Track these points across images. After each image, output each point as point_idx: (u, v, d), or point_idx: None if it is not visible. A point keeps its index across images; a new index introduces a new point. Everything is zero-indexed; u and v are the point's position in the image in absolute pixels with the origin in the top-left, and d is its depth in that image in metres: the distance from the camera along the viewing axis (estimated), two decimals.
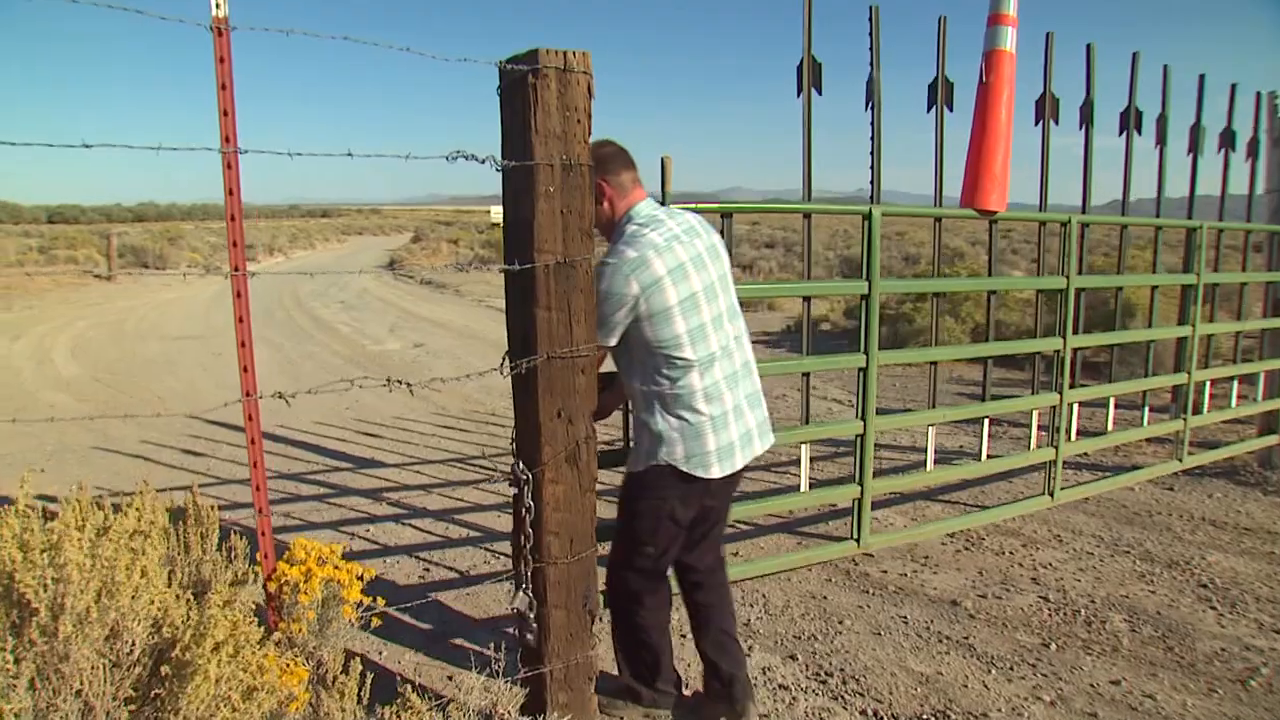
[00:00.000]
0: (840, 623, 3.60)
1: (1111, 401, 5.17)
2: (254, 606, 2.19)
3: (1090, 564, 4.23)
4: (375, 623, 2.29)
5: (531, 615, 2.24)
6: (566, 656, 2.29)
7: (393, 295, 17.66)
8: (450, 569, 4.18)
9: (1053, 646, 3.40)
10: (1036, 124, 4.46)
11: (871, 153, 3.82)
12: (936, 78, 4.01)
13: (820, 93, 3.69)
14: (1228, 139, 5.31)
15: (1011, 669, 3.24)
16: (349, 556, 4.06)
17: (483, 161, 1.98)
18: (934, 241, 4.39)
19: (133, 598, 1.65)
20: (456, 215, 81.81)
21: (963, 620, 3.64)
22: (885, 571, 4.14)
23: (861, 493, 3.95)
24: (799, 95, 3.68)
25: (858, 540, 4.00)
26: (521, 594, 2.22)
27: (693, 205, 2.96)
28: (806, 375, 3.87)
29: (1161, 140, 4.86)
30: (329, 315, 14.39)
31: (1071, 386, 4.76)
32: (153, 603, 1.69)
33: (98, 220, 57.61)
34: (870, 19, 3.74)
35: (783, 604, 3.78)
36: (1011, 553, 4.37)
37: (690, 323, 2.34)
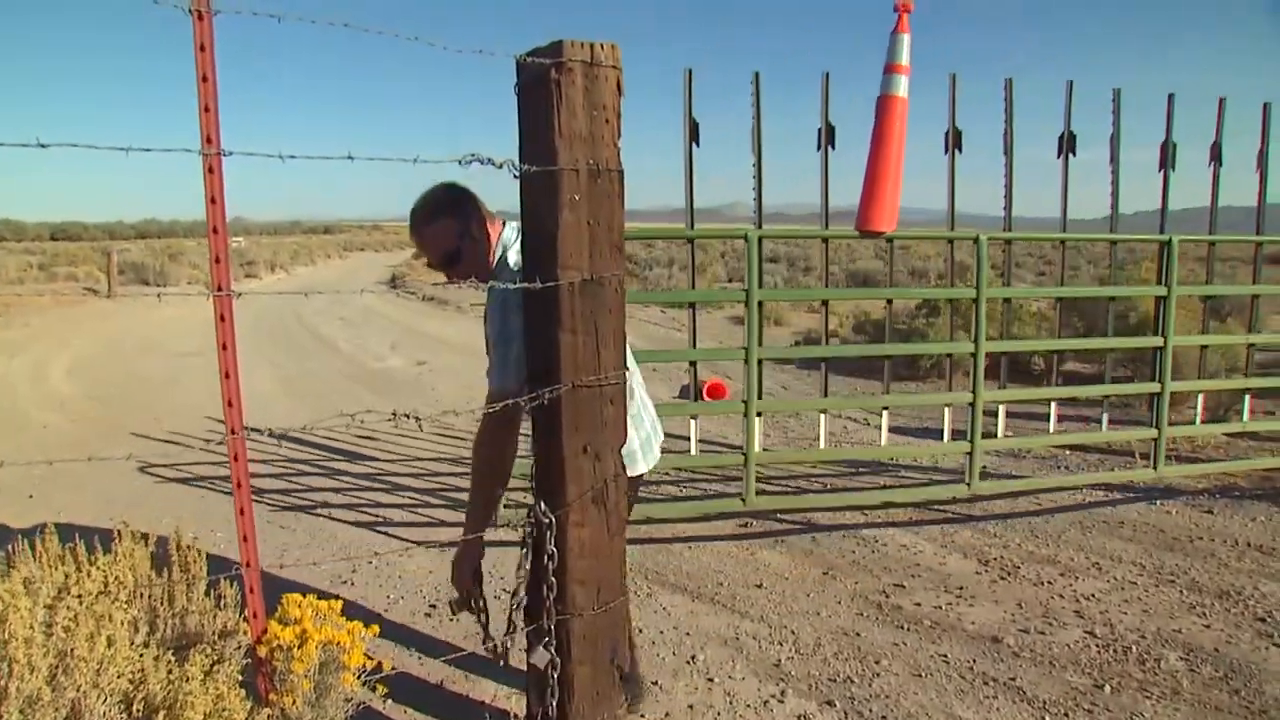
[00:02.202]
0: (877, 662, 3.36)
1: (1053, 407, 5.55)
2: (243, 666, 1.96)
3: (1135, 594, 3.99)
4: (381, 690, 2.05)
5: (555, 673, 2.00)
6: (593, 718, 2.05)
7: (395, 311, 17.46)
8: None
9: (1107, 689, 3.16)
10: (946, 153, 5.02)
11: (755, 188, 4.76)
12: (821, 126, 4.80)
13: (699, 145, 4.63)
14: (1216, 152, 5.35)
15: (1067, 715, 3.00)
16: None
17: (499, 166, 1.75)
18: (823, 258, 5.31)
19: (97, 671, 1.41)
20: None
21: (1007, 659, 3.40)
22: (919, 604, 3.90)
23: (746, 460, 4.75)
24: (684, 148, 4.64)
25: (744, 500, 4.79)
26: (542, 650, 1.98)
27: None
28: (694, 364, 5.03)
29: (1114, 158, 5.25)
30: (331, 332, 14.18)
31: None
32: (121, 675, 1.45)
33: (100, 237, 57.36)
34: (754, 82, 4.71)
35: (814, 642, 3.53)
36: (1050, 582, 4.12)
37: None
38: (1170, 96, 5.32)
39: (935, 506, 5.24)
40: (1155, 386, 5.39)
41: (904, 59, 4.35)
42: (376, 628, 2.09)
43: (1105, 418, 5.58)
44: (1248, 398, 5.65)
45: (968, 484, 5.08)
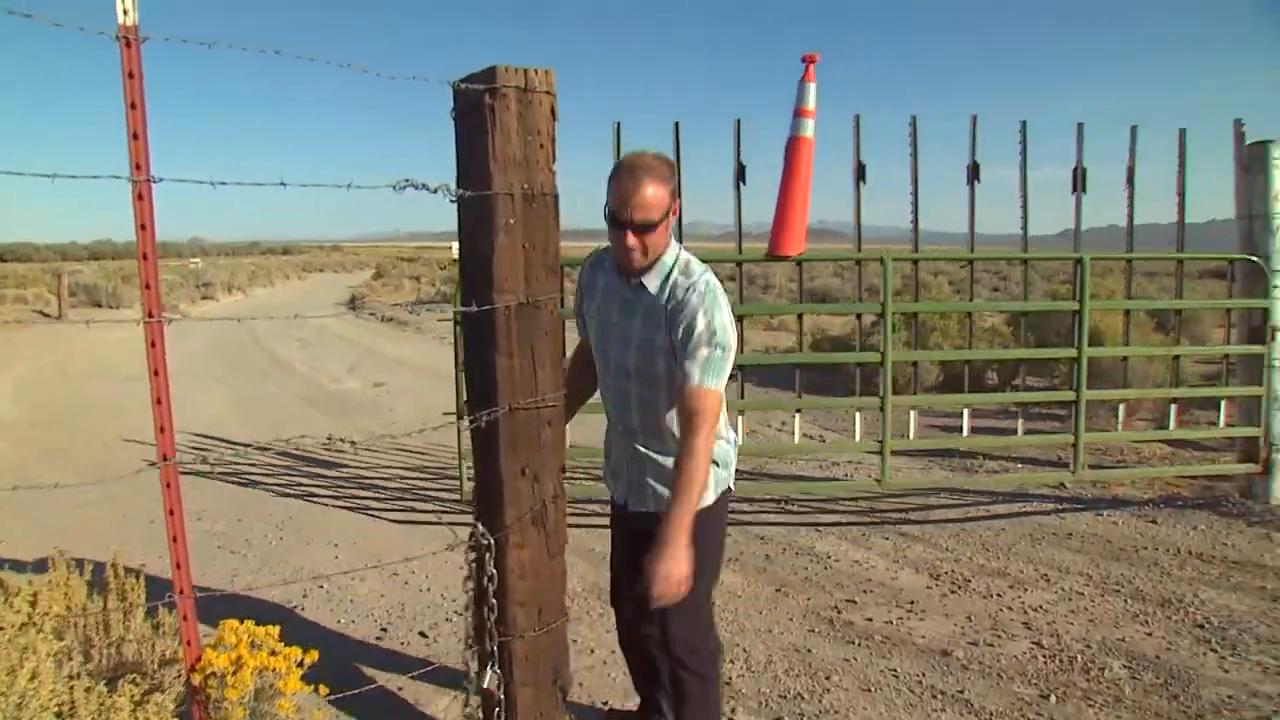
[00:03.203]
0: (827, 679, 3.39)
1: (966, 413, 5.83)
2: (181, 694, 1.93)
3: (1082, 605, 4.07)
4: (324, 691, 2.02)
5: (500, 692, 1.99)
6: None
7: (353, 332, 17.29)
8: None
9: (1052, 699, 3.22)
10: (856, 186, 5.39)
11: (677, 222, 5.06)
12: (734, 166, 5.24)
13: None
14: (1130, 176, 5.60)
15: None
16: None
17: (434, 191, 1.77)
18: (739, 281, 5.64)
19: (19, 705, 1.39)
20: (418, 251, 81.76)
21: (955, 672, 3.44)
22: (870, 620, 3.94)
23: None
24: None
25: None
26: (490, 673, 1.98)
27: None
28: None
29: (1023, 184, 5.61)
30: (288, 354, 14.00)
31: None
32: (45, 708, 1.43)
33: (52, 258, 56.16)
34: (674, 132, 5.07)
35: (765, 659, 3.55)
36: (999, 595, 4.19)
37: None
38: (1080, 126, 5.60)
39: (889, 519, 5.35)
40: (1070, 395, 5.62)
41: (811, 104, 4.87)
42: (315, 653, 2.07)
43: (1020, 424, 5.84)
44: (1174, 407, 5.83)
45: (878, 480, 5.42)
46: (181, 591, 1.69)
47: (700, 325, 2.20)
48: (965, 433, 5.90)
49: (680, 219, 5.42)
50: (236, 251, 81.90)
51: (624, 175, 2.21)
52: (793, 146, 4.91)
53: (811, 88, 4.87)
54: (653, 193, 2.19)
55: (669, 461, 2.37)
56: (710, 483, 2.37)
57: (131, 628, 2.16)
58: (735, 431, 2.62)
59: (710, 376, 2.19)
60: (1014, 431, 5.90)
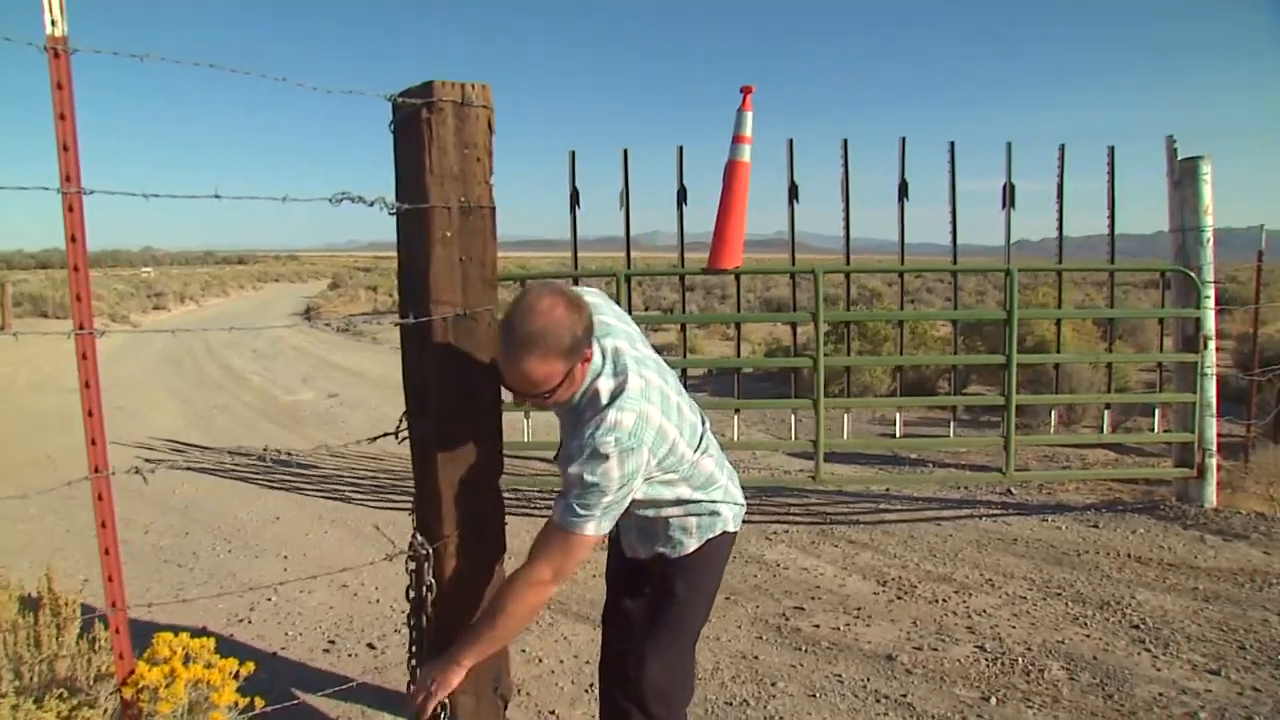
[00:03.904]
0: (773, 685, 3.43)
1: (899, 417, 6.27)
2: (115, 710, 1.92)
3: (1024, 609, 4.16)
4: (260, 703, 2.01)
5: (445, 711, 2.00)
6: None
7: (308, 343, 17.09)
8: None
9: (993, 700, 3.29)
10: (790, 204, 5.66)
11: (624, 239, 5.82)
12: (678, 188, 5.66)
13: (580, 206, 5.56)
14: (1060, 191, 5.84)
15: None
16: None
17: (371, 204, 1.78)
18: (681, 293, 6.44)
19: None
20: (375, 261, 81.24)
21: (899, 676, 3.50)
22: (817, 626, 3.99)
23: None
24: (569, 210, 5.63)
25: None
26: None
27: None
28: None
29: (953, 200, 5.74)
30: (241, 365, 13.81)
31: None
32: None
33: None
34: (623, 158, 5.56)
35: (712, 666, 3.59)
36: (945, 600, 4.27)
37: (685, 432, 2.04)
38: (1009, 145, 5.87)
39: (839, 522, 5.49)
40: (1001, 399, 5.82)
41: (748, 131, 5.20)
42: (252, 664, 2.06)
43: (952, 427, 6.10)
44: (1107, 412, 6.03)
45: (814, 477, 5.62)
46: (114, 605, 1.68)
47: (574, 470, 1.86)
48: (898, 434, 6.23)
49: (629, 231, 5.64)
50: (190, 261, 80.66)
51: (502, 349, 1.83)
52: (730, 170, 5.23)
53: (749, 116, 5.18)
54: (537, 370, 1.82)
55: (652, 514, 2.14)
56: (693, 527, 2.15)
57: (65, 643, 2.13)
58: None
59: (569, 516, 1.88)
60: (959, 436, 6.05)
